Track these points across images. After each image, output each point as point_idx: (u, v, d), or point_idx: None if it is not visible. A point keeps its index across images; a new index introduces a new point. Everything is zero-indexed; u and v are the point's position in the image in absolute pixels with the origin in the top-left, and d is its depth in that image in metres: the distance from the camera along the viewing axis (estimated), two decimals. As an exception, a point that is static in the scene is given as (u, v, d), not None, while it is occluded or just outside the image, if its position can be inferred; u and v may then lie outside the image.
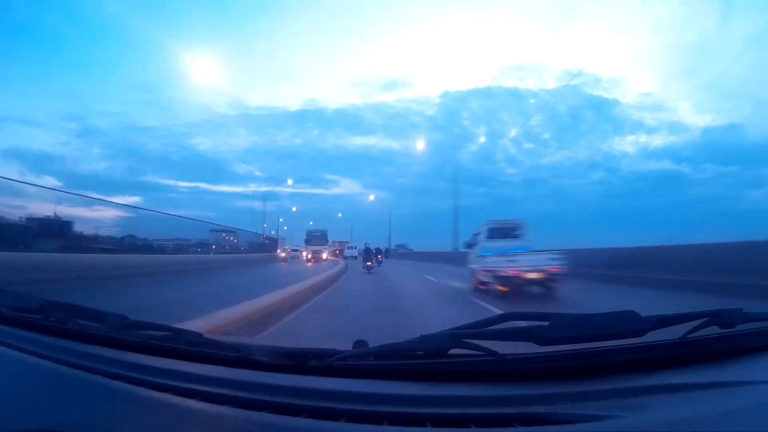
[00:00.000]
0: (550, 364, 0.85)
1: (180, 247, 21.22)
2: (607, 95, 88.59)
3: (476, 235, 10.15)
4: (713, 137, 73.70)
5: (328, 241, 39.16)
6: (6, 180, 9.99)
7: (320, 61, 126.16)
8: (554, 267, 7.64)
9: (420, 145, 37.18)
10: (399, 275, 15.47)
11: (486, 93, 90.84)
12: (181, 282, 11.37)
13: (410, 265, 22.84)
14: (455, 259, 20.47)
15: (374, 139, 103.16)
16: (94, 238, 14.61)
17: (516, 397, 0.78)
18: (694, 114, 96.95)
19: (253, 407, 0.78)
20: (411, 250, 45.18)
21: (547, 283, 7.74)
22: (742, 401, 0.74)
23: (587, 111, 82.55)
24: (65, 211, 12.98)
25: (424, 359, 0.89)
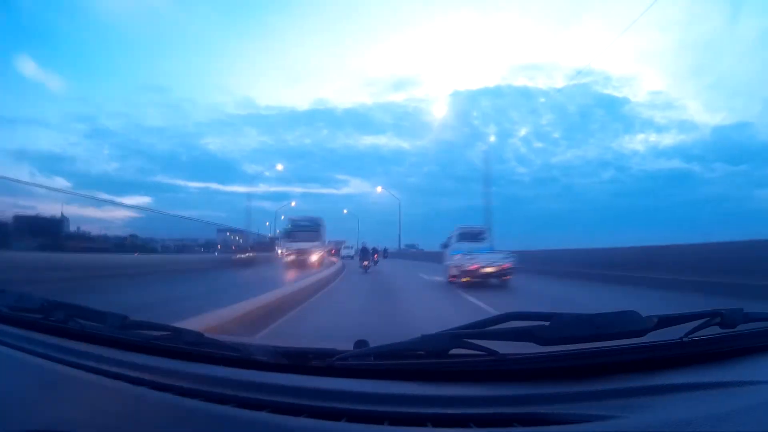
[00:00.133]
0: (550, 364, 0.85)
1: (183, 247, 21.20)
2: (617, 94, 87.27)
3: (449, 237, 12.43)
4: (723, 136, 73.05)
5: (321, 235, 22.41)
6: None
7: (330, 61, 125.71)
8: (506, 263, 9.96)
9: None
10: (394, 273, 16.10)
11: (496, 92, 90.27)
12: (157, 283, 10.58)
13: (411, 265, 22.78)
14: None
15: (384, 139, 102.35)
16: (87, 238, 14.55)
17: (517, 397, 0.78)
18: (704, 112, 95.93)
19: (254, 407, 0.78)
20: (421, 249, 43.06)
21: (501, 275, 9.91)
22: (742, 401, 0.74)
23: (597, 109, 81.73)
24: (73, 211, 13.01)
25: (425, 359, 0.89)
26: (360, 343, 0.98)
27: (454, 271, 10.63)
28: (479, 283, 9.66)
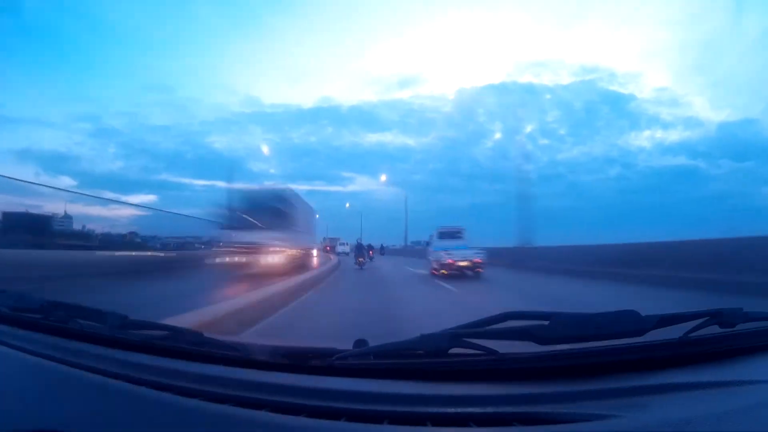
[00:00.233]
0: (550, 363, 0.85)
1: (183, 245, 21.04)
2: (622, 90, 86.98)
3: (431, 236, 14.21)
4: (729, 132, 72.71)
5: (293, 224, 12.78)
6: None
7: (335, 59, 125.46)
8: (477, 258, 11.77)
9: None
10: (388, 269, 17.12)
11: (501, 89, 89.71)
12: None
13: (411, 262, 22.88)
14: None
15: (390, 136, 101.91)
16: (77, 235, 14.41)
17: (516, 396, 0.78)
18: (710, 109, 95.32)
19: (254, 406, 0.78)
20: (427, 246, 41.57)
21: (473, 268, 11.68)
22: (742, 401, 0.74)
23: (603, 106, 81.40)
24: (78, 209, 12.85)
25: (425, 358, 0.89)
26: (359, 343, 0.98)
27: (434, 265, 12.48)
28: (456, 274, 11.50)
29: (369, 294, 8.57)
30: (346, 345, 0.98)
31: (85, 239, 16.38)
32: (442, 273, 11.67)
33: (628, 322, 0.84)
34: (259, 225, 11.69)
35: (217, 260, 11.78)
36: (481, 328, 0.88)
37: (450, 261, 11.68)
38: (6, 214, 12.14)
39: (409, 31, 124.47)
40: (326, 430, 0.73)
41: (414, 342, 0.89)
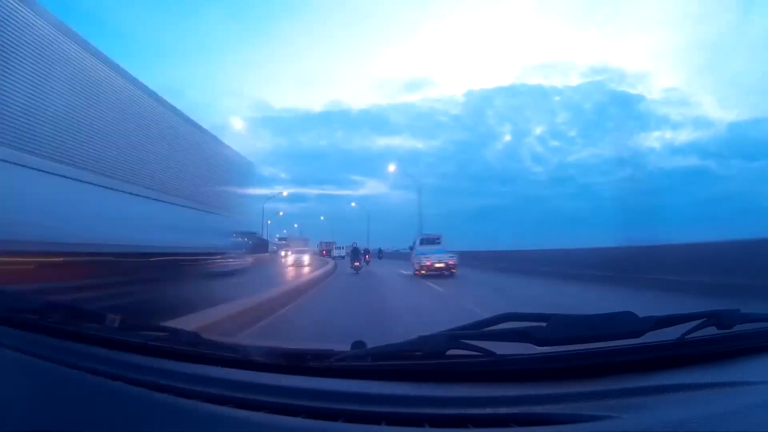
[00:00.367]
0: (547, 364, 0.85)
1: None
2: (632, 91, 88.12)
3: (414, 242, 16.73)
4: (739, 132, 72.91)
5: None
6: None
7: (344, 63, 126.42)
8: (451, 261, 14.33)
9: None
10: (382, 272, 18.03)
11: (510, 91, 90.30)
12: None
13: (401, 265, 22.94)
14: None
15: (400, 139, 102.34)
16: None
17: (514, 397, 0.78)
18: (720, 109, 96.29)
19: (252, 407, 0.78)
20: None
21: (447, 269, 14.16)
22: (739, 402, 0.75)
23: (612, 107, 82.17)
24: None
25: (423, 360, 0.89)
26: (357, 344, 0.98)
27: (416, 266, 15.00)
28: (435, 274, 13.93)
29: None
30: (344, 346, 0.98)
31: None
32: (422, 273, 14.19)
33: (625, 323, 0.85)
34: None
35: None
36: (478, 329, 0.89)
37: (428, 263, 14.27)
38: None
39: (417, 34, 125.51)
40: (324, 431, 0.73)
41: (412, 343, 0.89)
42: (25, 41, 4.08)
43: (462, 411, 0.75)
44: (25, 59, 4.07)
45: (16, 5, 3.98)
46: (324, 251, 43.37)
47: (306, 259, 23.91)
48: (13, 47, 3.93)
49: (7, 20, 3.88)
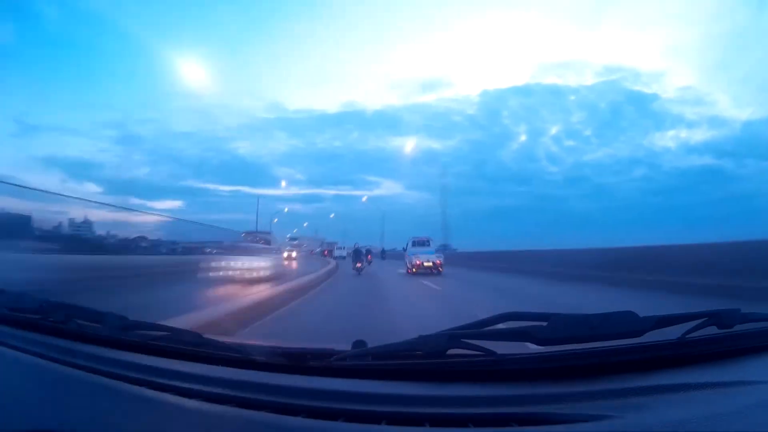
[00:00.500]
0: (548, 364, 0.85)
1: (190, 250, 20.66)
2: (646, 90, 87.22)
3: (407, 244, 18.30)
4: (754, 131, 71.91)
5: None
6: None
7: (358, 64, 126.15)
8: (438, 260, 15.99)
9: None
10: (383, 272, 18.39)
11: (525, 91, 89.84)
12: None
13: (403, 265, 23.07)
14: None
15: (415, 140, 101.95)
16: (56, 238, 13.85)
17: (514, 397, 0.78)
18: (734, 107, 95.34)
19: (253, 407, 0.78)
20: (455, 250, 37.14)
21: (435, 267, 15.75)
22: (739, 401, 0.75)
23: (627, 106, 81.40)
24: (103, 215, 11.68)
25: (423, 359, 0.89)
26: (358, 344, 0.98)
27: (408, 265, 16.67)
28: (425, 273, 15.52)
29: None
30: (345, 345, 0.98)
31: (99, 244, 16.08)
32: (413, 271, 15.88)
33: (626, 323, 0.85)
34: None
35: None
36: (479, 329, 0.89)
37: (418, 262, 15.99)
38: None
39: (432, 34, 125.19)
40: (325, 431, 0.73)
41: (412, 343, 0.89)
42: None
43: (462, 410, 0.75)
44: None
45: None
46: (326, 252, 43.41)
47: (263, 265, 11.32)
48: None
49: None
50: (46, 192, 12.22)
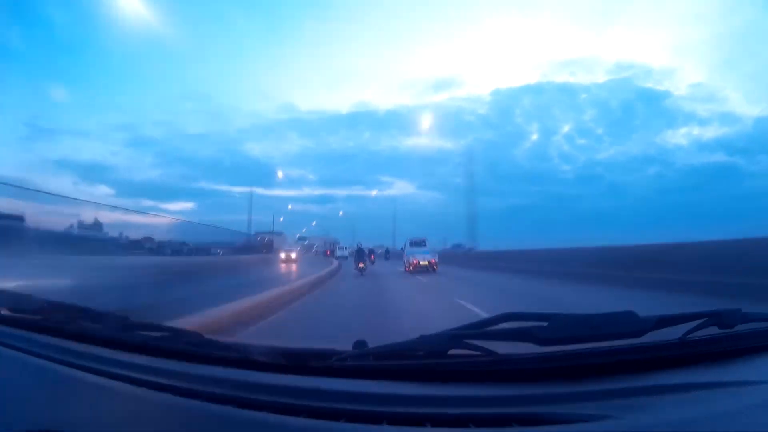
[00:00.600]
0: (549, 364, 0.85)
1: (196, 250, 20.38)
2: (658, 87, 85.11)
3: (405, 244, 20.15)
4: (765, 127, 70.25)
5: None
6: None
7: (370, 64, 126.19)
8: (433, 259, 17.53)
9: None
10: (384, 272, 19.24)
11: (537, 89, 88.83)
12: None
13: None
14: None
15: (427, 139, 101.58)
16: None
17: (515, 397, 0.78)
18: (746, 104, 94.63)
19: (253, 407, 0.78)
20: (469, 249, 34.66)
21: (430, 266, 17.26)
22: (741, 401, 0.75)
23: (639, 104, 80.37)
24: (115, 217, 11.88)
25: (424, 359, 0.89)
26: (359, 344, 0.98)
27: (406, 264, 18.28)
28: (421, 270, 17.04)
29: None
30: (346, 346, 0.98)
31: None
32: (410, 269, 17.40)
33: (626, 323, 0.85)
34: None
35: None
36: (480, 329, 0.89)
37: (415, 261, 17.50)
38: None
39: (443, 34, 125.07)
40: (326, 431, 0.73)
41: (413, 343, 0.89)
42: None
43: (464, 410, 0.75)
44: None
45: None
46: (328, 252, 43.54)
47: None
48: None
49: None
50: (84, 201, 12.27)
